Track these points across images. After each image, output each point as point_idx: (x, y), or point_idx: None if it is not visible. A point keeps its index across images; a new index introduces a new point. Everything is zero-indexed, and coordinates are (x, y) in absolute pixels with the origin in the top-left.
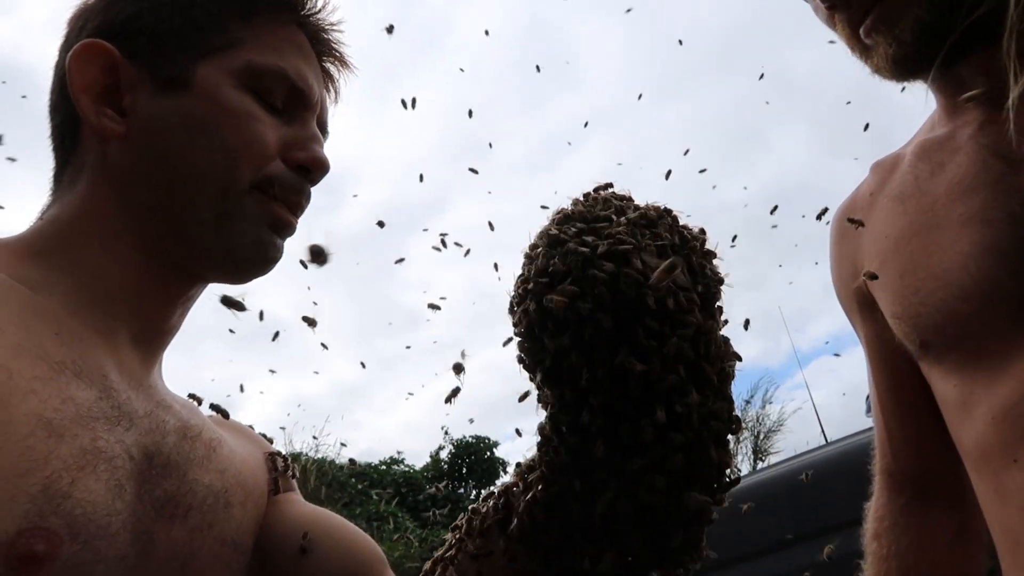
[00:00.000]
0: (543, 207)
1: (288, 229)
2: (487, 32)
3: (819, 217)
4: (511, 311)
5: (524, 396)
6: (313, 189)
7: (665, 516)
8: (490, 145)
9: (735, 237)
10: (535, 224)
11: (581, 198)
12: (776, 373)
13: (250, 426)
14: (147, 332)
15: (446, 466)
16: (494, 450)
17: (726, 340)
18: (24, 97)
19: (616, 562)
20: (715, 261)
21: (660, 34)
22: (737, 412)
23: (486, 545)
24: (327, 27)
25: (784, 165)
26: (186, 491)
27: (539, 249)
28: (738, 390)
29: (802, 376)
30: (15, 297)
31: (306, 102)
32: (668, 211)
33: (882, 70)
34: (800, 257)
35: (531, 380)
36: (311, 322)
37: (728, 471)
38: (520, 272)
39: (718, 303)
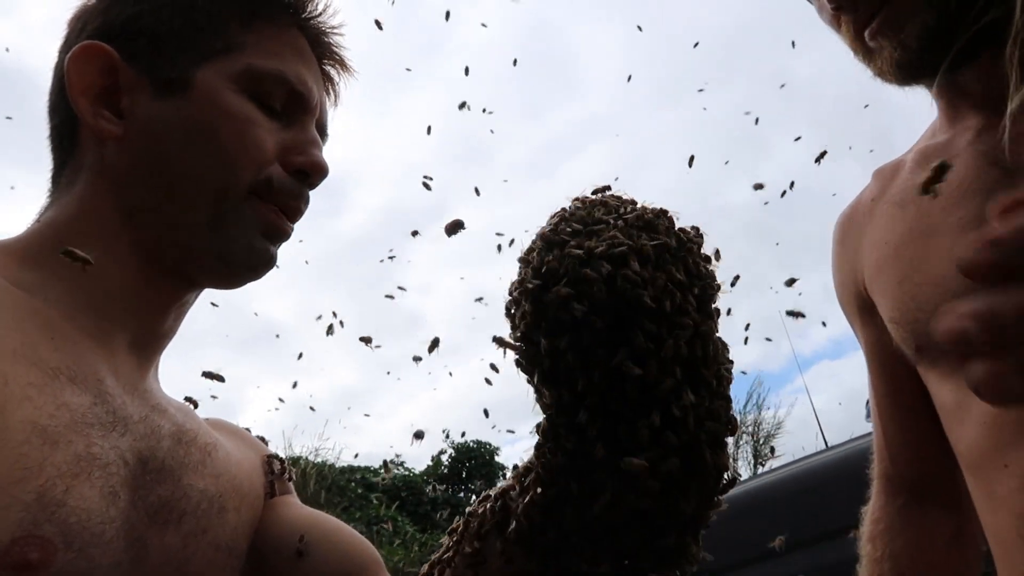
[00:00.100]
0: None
1: (283, 236)
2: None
3: (817, 160)
4: (508, 314)
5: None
6: (313, 192)
7: (662, 519)
8: (492, 131)
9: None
10: (535, 226)
11: (578, 200)
12: (776, 377)
13: (247, 429)
14: (142, 336)
15: (446, 470)
16: (495, 455)
17: (723, 343)
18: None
19: (613, 565)
20: (713, 263)
21: (660, 36)
22: (736, 415)
23: (483, 547)
24: (327, 30)
25: (785, 169)
26: (180, 496)
27: (536, 251)
28: (739, 394)
29: (802, 380)
30: (10, 301)
31: (305, 106)
32: (664, 212)
33: (885, 74)
34: (801, 260)
35: (528, 383)
36: (367, 340)
37: (725, 474)
38: (517, 274)
39: (715, 304)
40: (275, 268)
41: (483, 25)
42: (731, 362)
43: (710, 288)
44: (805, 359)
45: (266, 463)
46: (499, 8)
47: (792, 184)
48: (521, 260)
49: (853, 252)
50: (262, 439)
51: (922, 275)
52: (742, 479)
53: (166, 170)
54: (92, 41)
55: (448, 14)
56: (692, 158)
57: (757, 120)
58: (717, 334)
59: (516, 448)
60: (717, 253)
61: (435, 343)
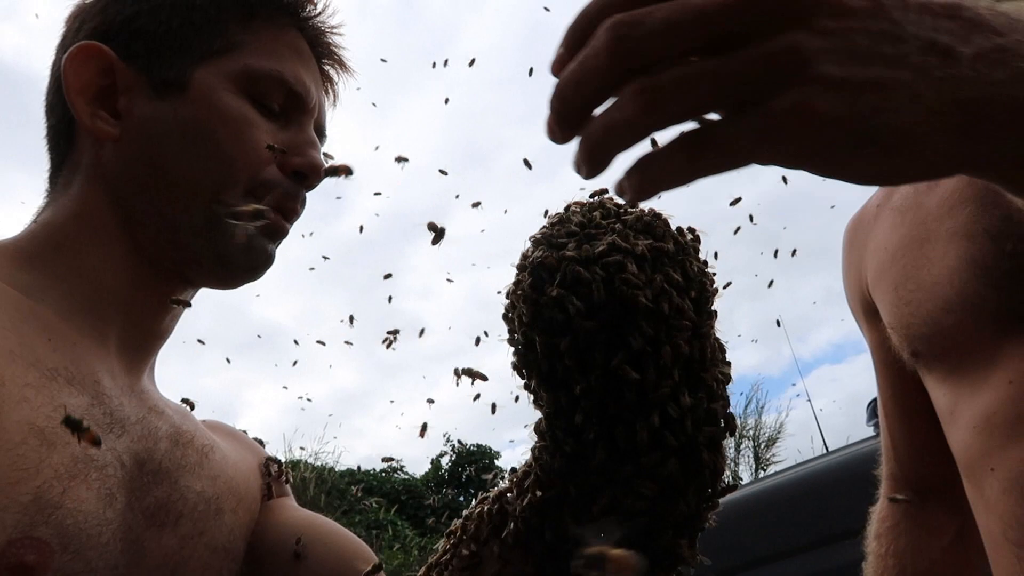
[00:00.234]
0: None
1: (281, 234)
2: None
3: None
4: (505, 317)
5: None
6: (314, 195)
7: (659, 522)
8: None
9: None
10: (534, 230)
11: (576, 204)
12: (777, 381)
13: (244, 431)
14: (139, 337)
15: (447, 474)
16: (495, 460)
17: (721, 344)
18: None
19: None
20: (711, 266)
21: None
22: (735, 417)
23: (480, 550)
24: (327, 30)
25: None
26: (177, 498)
27: (534, 254)
28: (740, 398)
29: (803, 385)
30: (7, 302)
31: (303, 107)
32: (658, 215)
33: None
34: (803, 265)
35: (526, 389)
36: (392, 335)
37: (722, 476)
38: (515, 276)
39: (712, 307)
40: (276, 270)
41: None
42: (728, 364)
43: (707, 290)
44: (806, 363)
45: (263, 465)
46: (500, 8)
47: (794, 251)
48: (519, 264)
49: (859, 257)
50: (259, 441)
51: (915, 282)
52: (743, 483)
53: (163, 171)
54: (89, 41)
55: (473, 61)
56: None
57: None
58: (715, 336)
59: (516, 452)
60: (715, 255)
61: (439, 234)
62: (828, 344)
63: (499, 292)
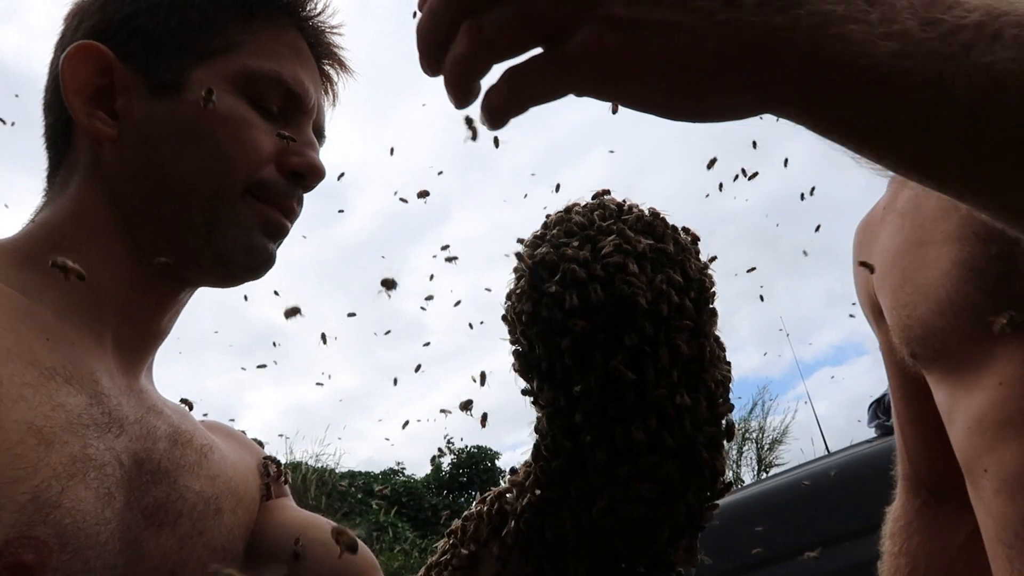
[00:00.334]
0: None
1: (282, 233)
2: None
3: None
4: (505, 319)
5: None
6: (316, 196)
7: (659, 521)
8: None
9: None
10: (535, 230)
11: (577, 205)
12: (778, 383)
13: (242, 431)
14: (137, 336)
15: (446, 476)
16: (495, 461)
17: (721, 345)
18: (17, 96)
19: (610, 568)
20: (711, 267)
21: None
22: (735, 419)
23: (479, 550)
24: (327, 30)
25: (787, 174)
26: (176, 498)
27: (534, 253)
28: (746, 400)
29: (804, 387)
30: (5, 301)
31: (302, 107)
32: (659, 215)
33: None
34: (803, 266)
35: (527, 393)
36: (388, 284)
37: (721, 477)
38: (515, 275)
39: (712, 307)
40: (276, 270)
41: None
42: (729, 364)
43: (708, 291)
44: (807, 365)
45: (262, 466)
46: None
47: (812, 189)
48: (519, 263)
49: (867, 259)
50: (258, 442)
51: (912, 285)
52: (744, 484)
53: (161, 171)
54: (88, 41)
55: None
56: (713, 160)
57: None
58: (715, 336)
59: (517, 454)
60: (713, 258)
61: (390, 286)
62: (829, 346)
63: (488, 290)
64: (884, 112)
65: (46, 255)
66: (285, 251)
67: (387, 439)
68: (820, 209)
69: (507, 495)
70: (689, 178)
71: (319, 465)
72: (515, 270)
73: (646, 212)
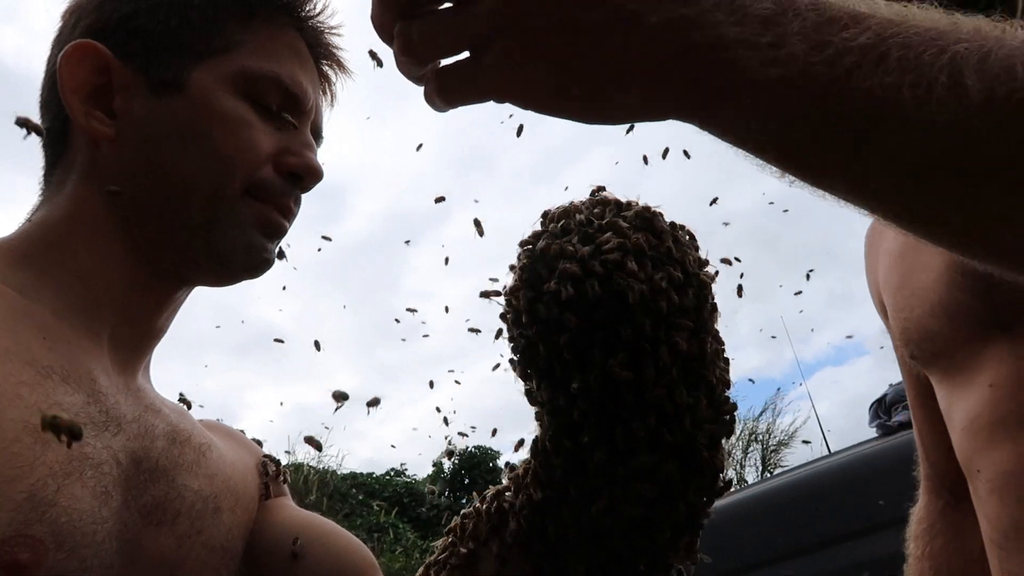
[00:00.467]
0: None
1: (280, 233)
2: None
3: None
4: (503, 317)
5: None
6: (318, 199)
7: (659, 521)
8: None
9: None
10: (535, 227)
11: (576, 201)
12: (779, 384)
13: (241, 431)
14: (135, 335)
15: (448, 476)
16: (496, 461)
17: (721, 342)
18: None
19: (610, 566)
20: (710, 265)
21: None
22: (742, 420)
23: (479, 549)
24: (325, 30)
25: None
26: (174, 497)
27: (532, 250)
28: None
29: (805, 387)
30: (2, 301)
31: (300, 108)
32: (658, 213)
33: None
34: (803, 266)
35: (526, 392)
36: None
37: (722, 475)
38: (514, 271)
39: (711, 304)
40: (276, 271)
41: None
42: (728, 361)
43: (707, 288)
44: (808, 365)
45: (261, 465)
46: None
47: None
48: (517, 259)
49: (874, 261)
50: (257, 442)
51: (910, 287)
52: (747, 485)
53: (160, 171)
54: (86, 40)
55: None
56: (715, 200)
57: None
58: (715, 334)
59: (520, 455)
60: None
61: (342, 398)
62: (830, 346)
63: (484, 292)
64: (772, 130)
65: (43, 254)
66: (289, 254)
67: (393, 446)
68: (821, 209)
69: (506, 494)
70: (689, 178)
71: (321, 466)
72: (513, 268)
73: (646, 208)
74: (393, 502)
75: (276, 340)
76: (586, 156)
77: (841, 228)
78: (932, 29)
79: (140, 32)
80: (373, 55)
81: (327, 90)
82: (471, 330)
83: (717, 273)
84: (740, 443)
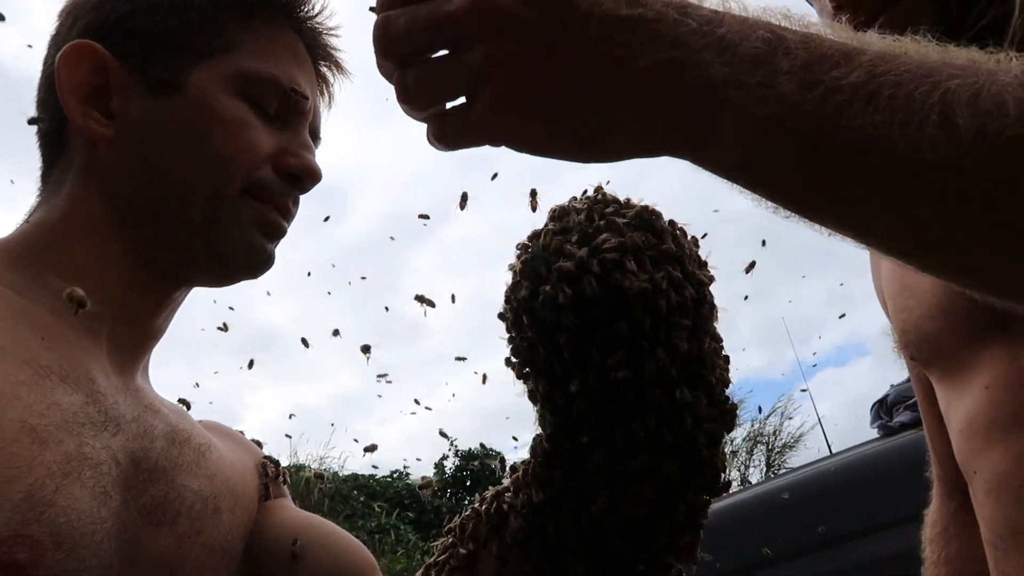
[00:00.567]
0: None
1: (279, 233)
2: None
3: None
4: (501, 316)
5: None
6: (318, 199)
7: (659, 521)
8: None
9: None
10: (534, 227)
11: (575, 200)
12: (780, 384)
13: (240, 431)
14: (134, 336)
15: (450, 478)
16: (498, 461)
17: (720, 341)
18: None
19: (610, 566)
20: (710, 265)
21: None
22: (749, 422)
23: (478, 549)
24: (324, 31)
25: None
26: (174, 497)
27: (530, 249)
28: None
29: (806, 388)
30: (0, 301)
31: (299, 109)
32: (658, 213)
33: None
34: (805, 267)
35: (530, 394)
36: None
37: (723, 474)
38: (513, 270)
39: (711, 304)
40: (275, 272)
41: None
42: (728, 360)
43: (706, 287)
44: (809, 366)
45: (260, 466)
46: None
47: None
48: (516, 258)
49: (877, 263)
50: (257, 443)
51: (908, 289)
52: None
53: (159, 170)
54: (83, 40)
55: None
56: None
57: None
58: (715, 333)
59: (522, 455)
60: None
61: (464, 198)
62: (831, 347)
63: (418, 296)
64: (764, 168)
65: (40, 255)
66: (284, 252)
67: (405, 461)
68: None
69: (506, 494)
70: (689, 178)
71: (323, 468)
72: (512, 268)
73: (645, 208)
74: (395, 504)
75: (302, 341)
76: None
77: None
78: (924, 65)
79: (138, 32)
80: (374, 9)
81: (325, 91)
82: (457, 358)
83: (716, 270)
84: (747, 444)
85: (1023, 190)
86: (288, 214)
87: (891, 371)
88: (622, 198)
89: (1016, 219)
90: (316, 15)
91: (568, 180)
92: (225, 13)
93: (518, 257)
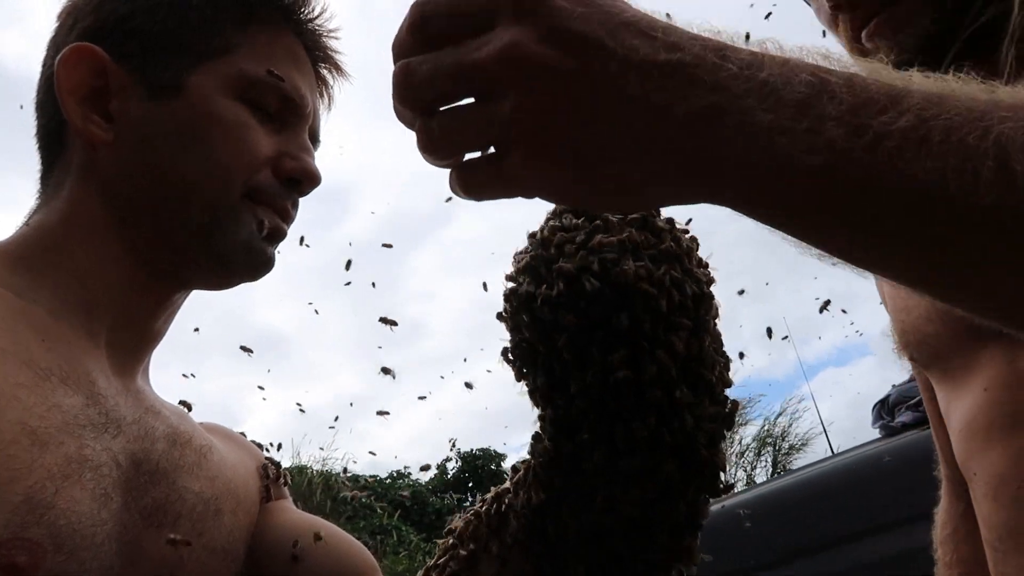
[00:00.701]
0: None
1: (279, 236)
2: None
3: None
4: (501, 317)
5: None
6: (319, 200)
7: (659, 521)
8: None
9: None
10: (533, 226)
11: None
12: (782, 384)
13: (242, 433)
14: (133, 338)
15: (451, 479)
16: (500, 463)
17: (720, 342)
18: (21, 107)
19: (610, 566)
20: (711, 265)
21: None
22: (759, 424)
23: (479, 550)
24: (324, 34)
25: None
26: (175, 499)
27: (530, 248)
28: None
29: (808, 388)
30: (0, 302)
31: (298, 112)
32: (657, 213)
33: None
34: (805, 267)
35: (532, 395)
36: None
37: (723, 473)
38: (511, 271)
39: (711, 303)
40: (275, 273)
41: None
42: (728, 360)
43: (706, 287)
44: (810, 366)
45: (261, 468)
46: None
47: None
48: (516, 258)
49: None
50: (258, 444)
51: (907, 291)
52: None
53: (159, 172)
54: (83, 43)
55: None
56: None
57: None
58: (716, 333)
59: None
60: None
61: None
62: (832, 347)
63: (383, 318)
64: (816, 217)
65: (40, 257)
66: (284, 253)
67: (402, 464)
68: None
69: (506, 495)
70: None
71: (325, 469)
72: (511, 267)
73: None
74: (396, 505)
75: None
76: None
77: None
78: (973, 109)
79: (137, 33)
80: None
81: (324, 93)
82: (440, 376)
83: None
84: (755, 444)
85: None
86: (287, 217)
87: (892, 371)
88: None
89: None
90: (316, 17)
91: None
92: (225, 14)
93: (517, 258)
